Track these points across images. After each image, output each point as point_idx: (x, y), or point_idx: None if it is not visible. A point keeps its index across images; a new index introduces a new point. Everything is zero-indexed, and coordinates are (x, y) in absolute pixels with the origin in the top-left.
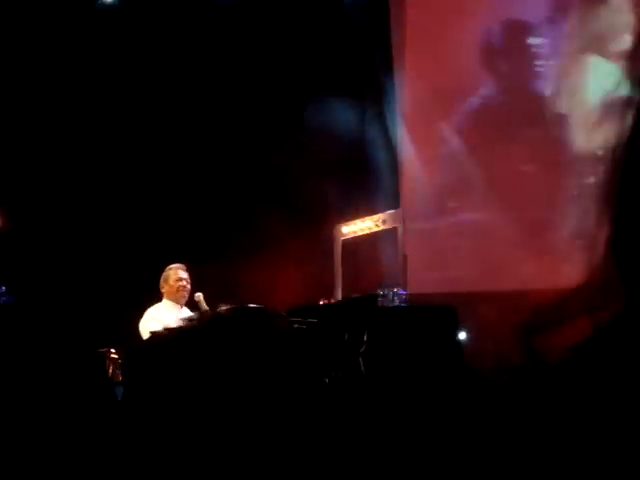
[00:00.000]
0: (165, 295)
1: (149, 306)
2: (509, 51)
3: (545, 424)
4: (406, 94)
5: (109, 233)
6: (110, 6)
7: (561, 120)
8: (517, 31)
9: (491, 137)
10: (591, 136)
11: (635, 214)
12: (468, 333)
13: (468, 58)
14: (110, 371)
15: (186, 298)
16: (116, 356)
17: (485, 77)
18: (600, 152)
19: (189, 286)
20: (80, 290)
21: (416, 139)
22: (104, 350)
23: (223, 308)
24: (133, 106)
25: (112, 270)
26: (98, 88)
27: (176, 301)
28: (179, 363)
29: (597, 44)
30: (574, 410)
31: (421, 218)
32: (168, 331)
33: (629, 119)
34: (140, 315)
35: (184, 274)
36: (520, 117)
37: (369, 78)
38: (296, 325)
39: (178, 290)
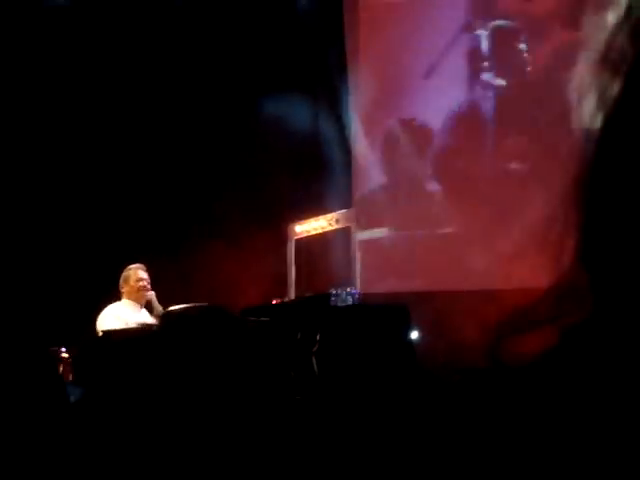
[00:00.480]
0: (125, 295)
1: (103, 304)
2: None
3: (499, 426)
4: (359, 94)
5: (60, 230)
6: (60, 5)
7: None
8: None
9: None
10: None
11: (604, 218)
12: (420, 332)
13: (420, 60)
14: (61, 370)
15: (146, 298)
16: (67, 355)
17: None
18: (564, 150)
19: (149, 286)
20: (30, 288)
21: (368, 138)
22: (55, 349)
23: (176, 307)
24: (83, 102)
25: (62, 268)
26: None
27: (136, 301)
28: (133, 361)
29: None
30: (531, 414)
31: (373, 217)
32: (122, 331)
33: (598, 113)
34: (91, 313)
35: (144, 274)
36: (477, 117)
37: (324, 76)
38: (249, 324)
39: (139, 290)
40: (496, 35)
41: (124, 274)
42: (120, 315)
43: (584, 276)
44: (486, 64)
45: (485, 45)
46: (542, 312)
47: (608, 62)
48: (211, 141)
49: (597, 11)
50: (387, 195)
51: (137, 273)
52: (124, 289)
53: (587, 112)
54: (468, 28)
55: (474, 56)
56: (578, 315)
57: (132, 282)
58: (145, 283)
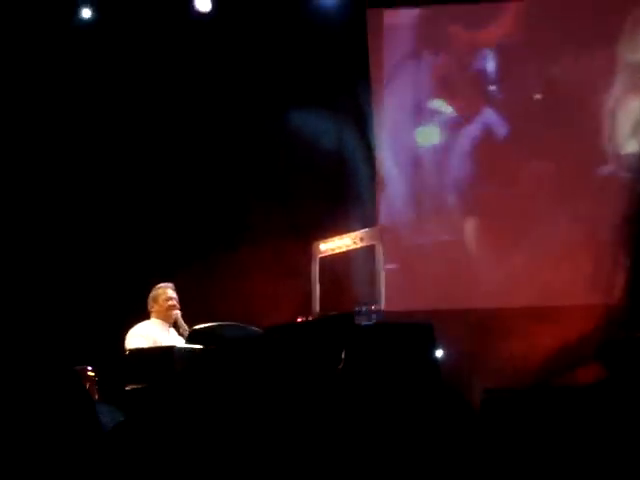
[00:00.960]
0: (154, 314)
1: (130, 324)
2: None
3: (520, 447)
4: (382, 113)
5: (88, 248)
6: (89, 22)
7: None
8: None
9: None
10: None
11: None
12: (445, 351)
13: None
14: (87, 389)
15: (175, 317)
16: (92, 374)
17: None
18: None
19: (178, 305)
20: (55, 308)
21: (392, 157)
22: (81, 368)
23: (201, 326)
24: (99, 121)
25: (90, 287)
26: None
27: (165, 320)
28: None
29: None
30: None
31: (399, 236)
32: (149, 350)
33: None
34: (118, 332)
35: (173, 293)
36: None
37: (349, 95)
38: (274, 342)
39: (168, 309)
40: (502, 56)
41: (153, 293)
42: (149, 334)
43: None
44: (494, 87)
45: (492, 66)
46: (588, 350)
47: None
48: (238, 159)
49: (633, 34)
50: (412, 213)
51: (166, 292)
52: (153, 308)
53: (621, 136)
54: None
55: (485, 77)
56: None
57: (161, 301)
58: (174, 302)
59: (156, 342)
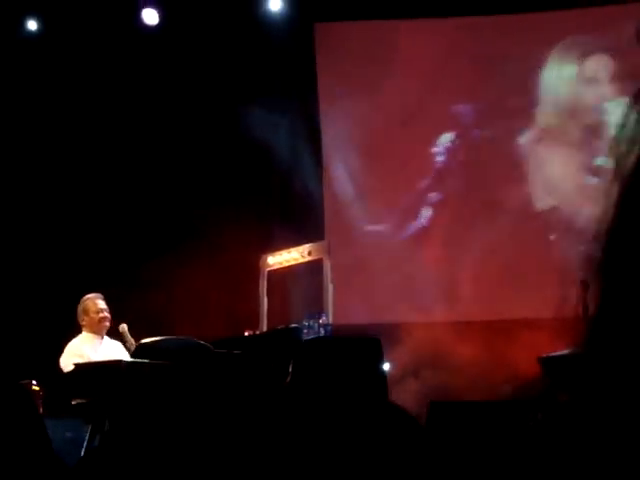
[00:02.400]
0: (85, 328)
1: (65, 337)
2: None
3: (470, 461)
4: (328, 130)
5: (22, 263)
6: (35, 34)
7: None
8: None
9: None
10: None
11: (623, 298)
12: (392, 365)
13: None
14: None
15: (107, 327)
16: (37, 388)
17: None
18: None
19: (109, 316)
20: None
21: (337, 171)
22: (26, 382)
23: (148, 340)
24: (40, 134)
25: (25, 301)
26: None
27: (97, 332)
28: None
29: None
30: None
31: (345, 250)
32: (92, 365)
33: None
34: (56, 345)
35: (103, 304)
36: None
37: (298, 110)
38: (221, 356)
39: (100, 321)
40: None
41: (81, 305)
42: (82, 353)
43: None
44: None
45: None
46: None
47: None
48: (186, 171)
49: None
50: (360, 226)
51: (96, 303)
52: (84, 321)
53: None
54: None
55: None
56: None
57: (92, 313)
58: (106, 313)
59: (90, 359)
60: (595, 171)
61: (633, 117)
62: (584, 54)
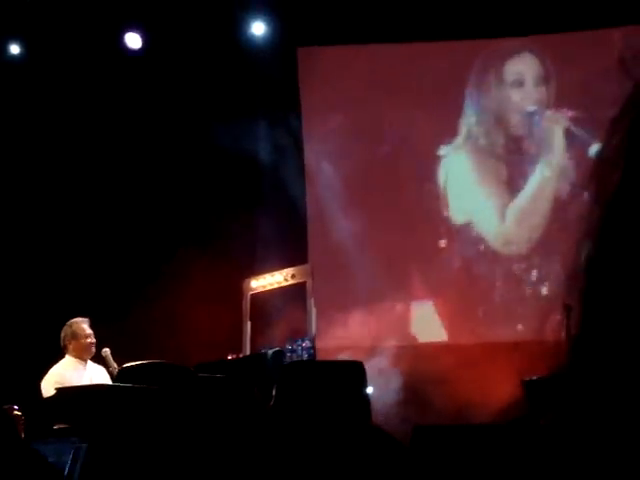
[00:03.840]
0: (70, 352)
1: (46, 361)
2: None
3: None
4: (311, 152)
5: (10, 287)
6: (18, 59)
7: None
8: None
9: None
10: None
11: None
12: (374, 388)
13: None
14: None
15: (93, 353)
16: (19, 413)
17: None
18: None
19: (95, 341)
20: None
21: (320, 194)
22: (7, 407)
23: (131, 364)
24: (22, 157)
25: (5, 325)
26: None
27: (82, 357)
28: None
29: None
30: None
31: (328, 273)
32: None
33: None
34: (38, 370)
35: (89, 329)
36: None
37: (281, 132)
38: (204, 380)
39: (88, 346)
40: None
41: (69, 330)
42: (64, 379)
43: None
44: None
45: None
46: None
47: (606, 158)
48: (170, 195)
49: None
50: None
51: (85, 329)
52: (71, 345)
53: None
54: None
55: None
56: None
57: (81, 338)
58: (93, 339)
59: (72, 384)
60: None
61: (615, 139)
62: (506, 55)
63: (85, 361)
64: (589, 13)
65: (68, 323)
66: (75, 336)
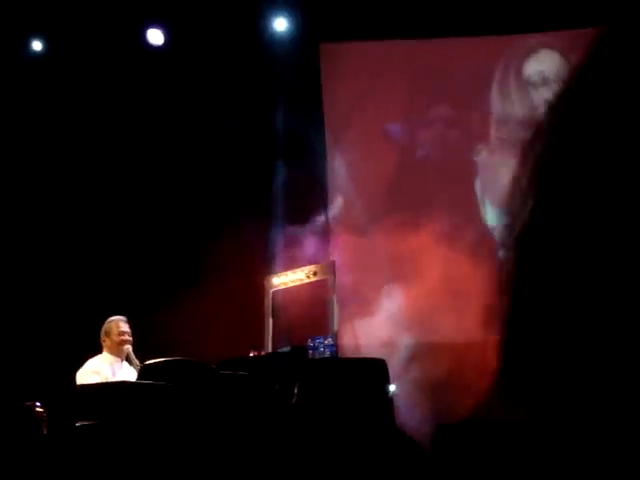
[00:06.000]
0: (106, 349)
1: (80, 358)
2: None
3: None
4: (335, 151)
5: (34, 286)
6: (40, 54)
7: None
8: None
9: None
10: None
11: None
12: (398, 385)
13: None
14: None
15: (128, 350)
16: (41, 410)
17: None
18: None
19: (131, 339)
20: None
21: (342, 191)
22: (29, 404)
23: (153, 361)
24: (46, 155)
25: (39, 321)
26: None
27: (117, 354)
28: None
29: None
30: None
31: (352, 270)
32: (99, 386)
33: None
34: (65, 368)
35: (126, 327)
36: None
37: (302, 128)
38: (226, 378)
39: (120, 344)
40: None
41: (105, 326)
42: (101, 371)
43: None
44: None
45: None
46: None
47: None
48: (193, 193)
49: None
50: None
51: (119, 326)
52: (105, 342)
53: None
54: None
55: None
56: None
57: (114, 335)
58: (127, 336)
59: (107, 378)
60: None
61: (526, 176)
62: (529, 52)
63: (121, 359)
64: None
65: (106, 321)
66: (109, 333)
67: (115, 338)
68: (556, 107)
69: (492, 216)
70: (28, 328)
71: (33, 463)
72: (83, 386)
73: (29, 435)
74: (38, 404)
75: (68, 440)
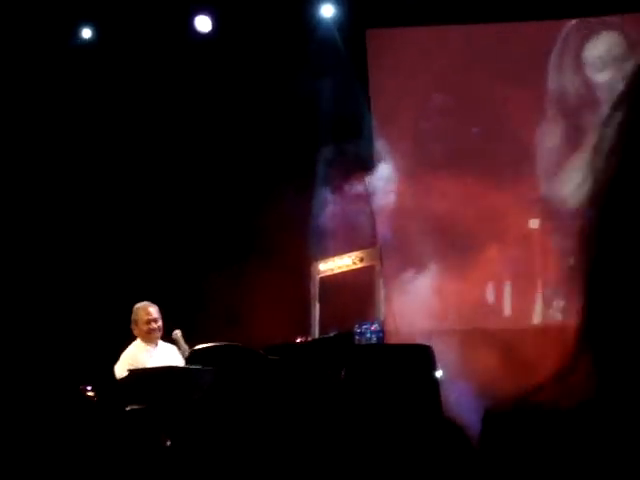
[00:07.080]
0: (137, 336)
1: (122, 344)
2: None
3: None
4: (381, 139)
5: (79, 270)
6: (89, 42)
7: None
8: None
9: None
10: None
11: (609, 302)
12: (445, 371)
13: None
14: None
15: (159, 337)
16: (92, 394)
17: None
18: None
19: (159, 324)
20: (50, 328)
21: (388, 178)
22: (81, 388)
23: (202, 346)
24: (96, 142)
25: (84, 307)
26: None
27: (149, 341)
28: (160, 399)
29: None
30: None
31: (397, 256)
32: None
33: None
34: (112, 351)
35: (154, 312)
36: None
37: (349, 120)
38: (274, 363)
39: (148, 332)
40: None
41: (133, 315)
42: (136, 360)
43: (589, 358)
44: None
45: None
46: (545, 395)
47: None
48: (241, 180)
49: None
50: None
51: (148, 313)
52: (135, 331)
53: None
54: None
55: None
56: (580, 397)
57: (141, 324)
58: (154, 325)
59: (145, 366)
60: None
61: (609, 130)
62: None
63: (154, 344)
64: None
65: (133, 308)
66: (136, 322)
67: (143, 327)
68: None
69: (550, 187)
70: (81, 316)
71: (84, 440)
72: (133, 371)
73: (81, 415)
74: (89, 388)
75: (117, 421)
